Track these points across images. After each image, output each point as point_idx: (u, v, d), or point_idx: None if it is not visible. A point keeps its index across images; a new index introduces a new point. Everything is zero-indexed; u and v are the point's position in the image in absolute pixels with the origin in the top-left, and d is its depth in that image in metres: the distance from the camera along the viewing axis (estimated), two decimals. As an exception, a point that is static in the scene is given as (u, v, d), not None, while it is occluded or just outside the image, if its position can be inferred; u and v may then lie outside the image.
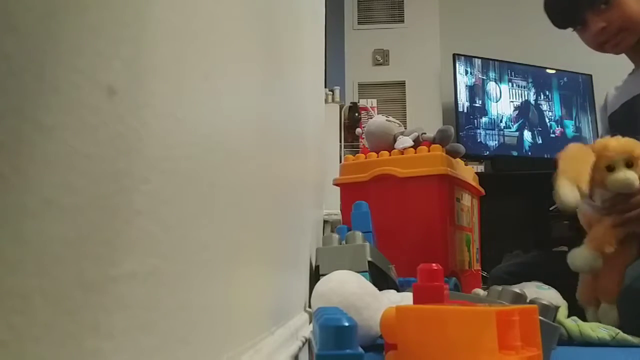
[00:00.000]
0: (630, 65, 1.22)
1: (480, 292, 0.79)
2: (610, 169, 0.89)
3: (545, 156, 2.75)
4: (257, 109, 0.46)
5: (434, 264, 0.51)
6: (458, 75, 2.76)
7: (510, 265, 1.21)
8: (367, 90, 3.20)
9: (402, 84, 3.18)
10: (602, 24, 1.06)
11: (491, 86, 2.89)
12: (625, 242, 0.90)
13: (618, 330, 0.73)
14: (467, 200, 1.32)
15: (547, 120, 2.95)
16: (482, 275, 1.43)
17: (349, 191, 1.27)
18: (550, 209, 2.38)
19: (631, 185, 0.87)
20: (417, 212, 1.16)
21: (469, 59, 2.83)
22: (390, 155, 1.23)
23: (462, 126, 2.69)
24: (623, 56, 1.19)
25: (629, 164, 0.88)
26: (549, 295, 0.83)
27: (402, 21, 3.26)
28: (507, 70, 2.94)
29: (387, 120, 1.33)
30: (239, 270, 0.38)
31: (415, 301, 0.51)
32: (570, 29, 1.15)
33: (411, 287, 0.52)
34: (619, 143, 0.89)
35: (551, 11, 1.14)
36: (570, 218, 1.19)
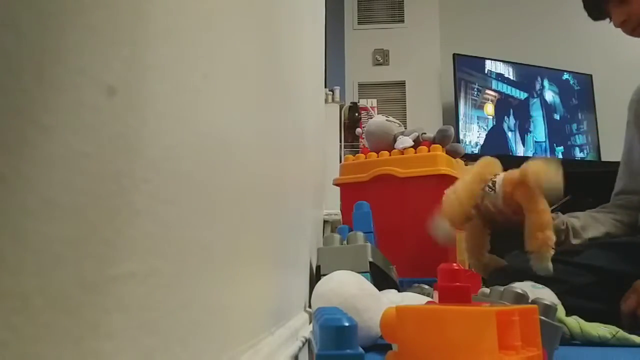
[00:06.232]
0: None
1: (487, 291, 0.79)
2: None
3: (545, 156, 2.76)
4: (256, 109, 0.45)
5: (454, 264, 0.51)
6: (458, 74, 2.76)
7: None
8: (367, 90, 3.20)
9: (402, 84, 3.18)
10: (622, 17, 1.09)
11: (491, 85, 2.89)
12: None
13: (618, 329, 0.74)
14: (467, 200, 1.31)
15: (547, 120, 2.95)
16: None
17: (349, 191, 1.27)
18: (551, 208, 2.37)
19: None
20: (417, 212, 1.16)
21: (468, 58, 2.83)
22: (390, 155, 1.23)
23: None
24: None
25: None
26: (543, 294, 0.83)
27: (402, 21, 3.26)
28: (507, 69, 2.94)
29: (387, 120, 1.33)
30: (239, 270, 0.38)
31: (440, 301, 0.50)
32: (605, 21, 1.17)
33: (411, 287, 0.52)
34: None
35: (584, 5, 1.19)
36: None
